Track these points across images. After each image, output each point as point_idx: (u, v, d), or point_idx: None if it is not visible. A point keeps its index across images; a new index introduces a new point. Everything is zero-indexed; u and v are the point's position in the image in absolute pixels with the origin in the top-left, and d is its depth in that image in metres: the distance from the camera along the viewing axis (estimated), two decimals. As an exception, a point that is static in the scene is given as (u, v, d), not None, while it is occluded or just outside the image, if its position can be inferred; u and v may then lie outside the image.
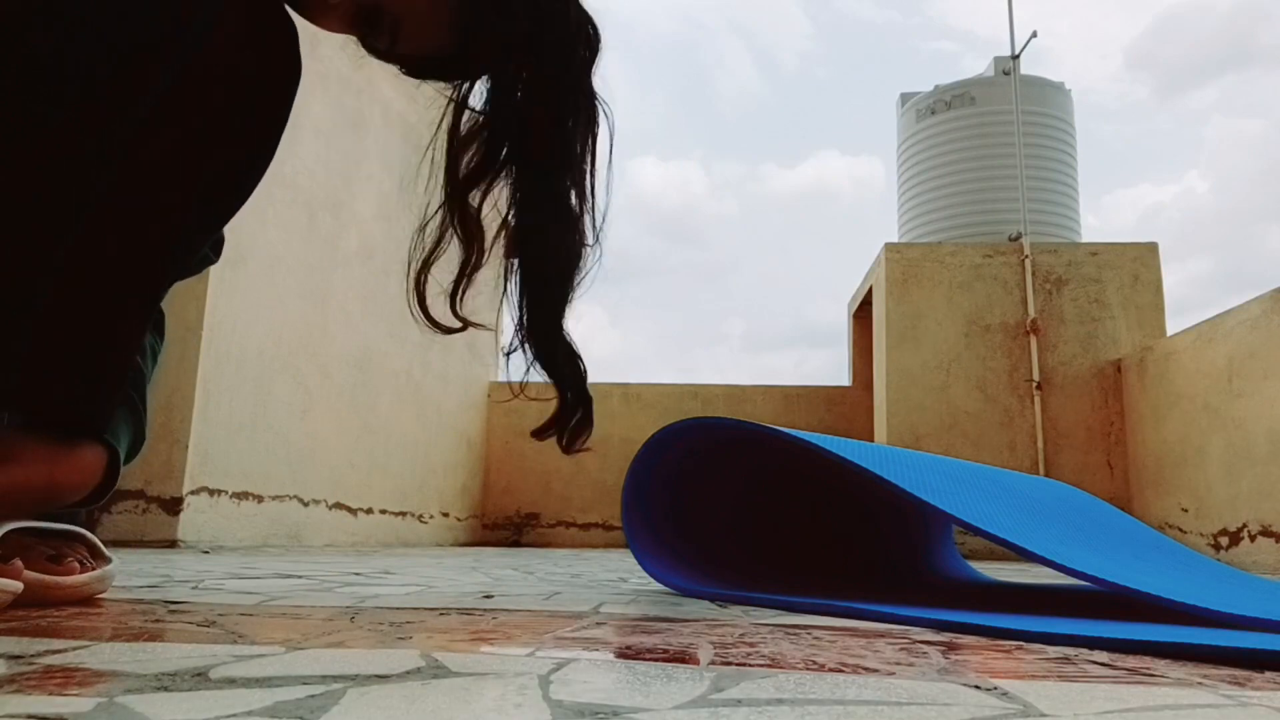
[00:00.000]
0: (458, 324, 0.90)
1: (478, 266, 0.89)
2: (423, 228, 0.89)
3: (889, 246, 4.20)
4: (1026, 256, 4.09)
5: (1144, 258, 4.08)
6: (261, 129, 0.75)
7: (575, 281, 0.90)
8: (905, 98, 6.48)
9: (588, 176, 0.88)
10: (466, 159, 0.88)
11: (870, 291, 4.46)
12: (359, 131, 3.20)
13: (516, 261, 0.89)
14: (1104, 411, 3.93)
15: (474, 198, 0.88)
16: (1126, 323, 4.00)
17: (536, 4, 0.84)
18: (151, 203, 0.72)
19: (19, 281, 0.70)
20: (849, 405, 4.82)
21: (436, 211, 0.89)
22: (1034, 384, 3.94)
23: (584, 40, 0.87)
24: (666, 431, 1.12)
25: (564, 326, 0.92)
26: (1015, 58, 5.32)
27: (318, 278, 2.96)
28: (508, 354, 0.91)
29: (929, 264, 4.13)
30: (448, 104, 0.88)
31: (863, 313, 4.78)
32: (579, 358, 0.94)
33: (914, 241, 5.72)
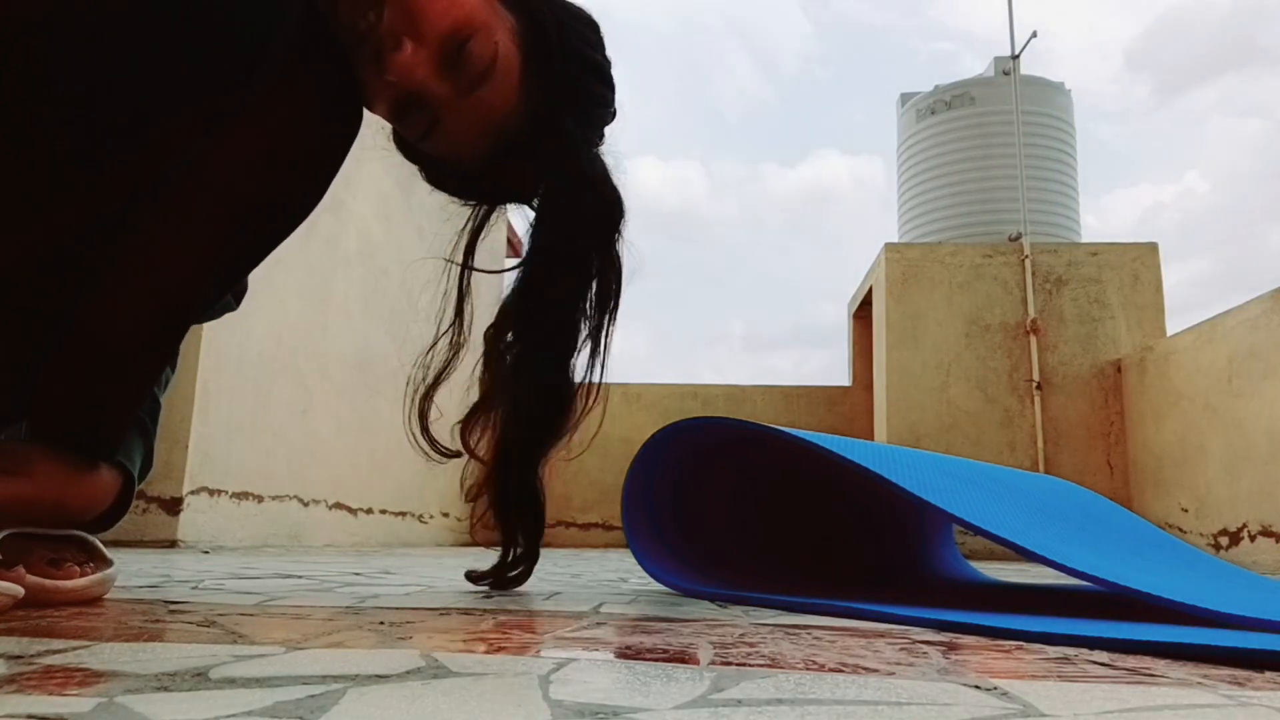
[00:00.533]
0: (455, 451, 0.91)
1: (488, 410, 0.90)
2: (433, 347, 0.89)
3: (889, 246, 4.20)
4: (1026, 256, 4.09)
5: (1144, 258, 4.08)
6: (306, 191, 0.75)
7: (556, 442, 0.91)
8: (905, 98, 6.49)
9: (603, 336, 0.90)
10: (501, 321, 0.89)
11: (870, 291, 4.47)
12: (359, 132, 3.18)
13: (505, 408, 0.90)
14: (1104, 411, 3.93)
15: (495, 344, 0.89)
16: (1126, 323, 4.00)
17: (574, 161, 0.85)
18: (185, 253, 0.72)
19: (41, 301, 0.70)
20: (849, 405, 4.83)
21: (446, 332, 0.90)
22: (1034, 384, 3.94)
23: (607, 210, 0.88)
24: (666, 431, 1.12)
25: (535, 478, 0.92)
26: (1015, 58, 5.31)
27: (318, 278, 2.96)
28: (469, 499, 0.92)
29: (929, 264, 4.13)
30: (464, 224, 0.90)
31: (863, 313, 4.78)
32: (541, 507, 0.94)
33: (914, 241, 5.72)
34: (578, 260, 0.88)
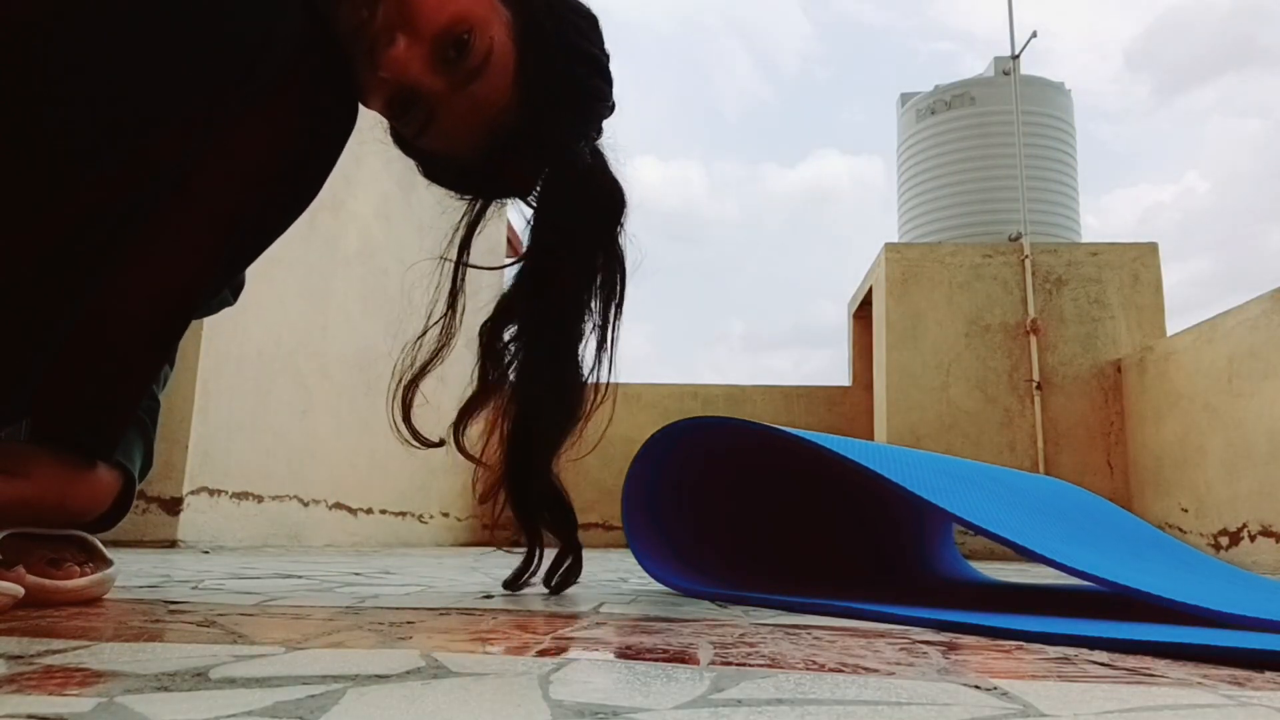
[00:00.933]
0: (436, 441, 0.91)
1: (483, 405, 0.90)
2: (421, 336, 0.89)
3: (889, 246, 4.20)
4: (1026, 256, 4.09)
5: (1144, 258, 4.08)
6: (303, 186, 0.75)
7: (568, 433, 0.91)
8: (905, 98, 6.49)
9: (610, 331, 0.89)
10: (499, 302, 0.88)
11: (870, 291, 4.47)
12: (359, 130, 3.18)
13: (513, 404, 0.90)
14: (1104, 411, 3.93)
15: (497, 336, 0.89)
16: (1126, 323, 4.00)
17: (571, 155, 0.85)
18: (185, 250, 0.72)
19: (42, 301, 0.70)
20: (849, 405, 4.82)
21: (438, 322, 0.89)
22: (1034, 384, 3.94)
23: (608, 203, 0.88)
24: (666, 431, 1.12)
25: (551, 473, 0.92)
26: (1015, 58, 5.31)
27: (317, 278, 2.96)
28: (482, 501, 0.92)
29: (929, 264, 4.13)
30: (460, 218, 0.89)
31: (863, 313, 4.78)
32: (567, 505, 0.93)
33: (914, 241, 5.72)
34: (580, 254, 0.88)
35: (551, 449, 0.91)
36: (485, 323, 0.90)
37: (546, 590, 0.98)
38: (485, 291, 0.93)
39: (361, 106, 0.77)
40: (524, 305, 0.89)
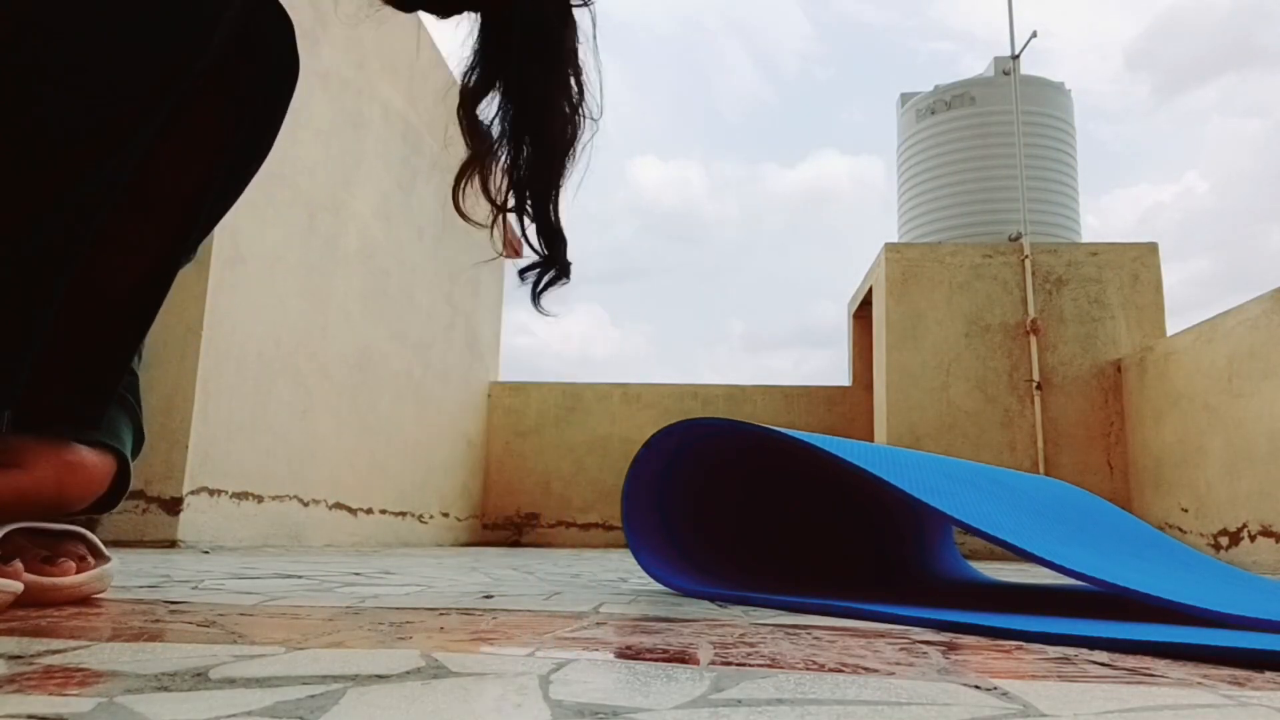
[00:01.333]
0: (469, 218, 0.91)
1: (474, 167, 0.90)
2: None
3: (889, 246, 4.20)
4: (1026, 256, 4.09)
5: (1144, 258, 4.08)
6: (257, 135, 0.75)
7: (573, 153, 0.91)
8: (905, 98, 6.49)
9: (590, 56, 0.90)
10: (467, 75, 0.90)
11: (870, 291, 4.47)
12: (359, 131, 3.19)
13: (514, 135, 0.90)
14: (1104, 411, 3.93)
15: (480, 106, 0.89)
16: (1126, 323, 4.00)
17: None
18: (153, 215, 0.72)
19: (42, 293, 0.70)
20: (849, 405, 4.83)
21: (494, 120, 0.90)
22: (1034, 384, 3.94)
23: None
24: (667, 431, 1.12)
25: (555, 203, 0.93)
26: (1015, 58, 5.32)
27: (318, 278, 2.96)
28: (498, 210, 0.92)
29: (929, 264, 4.13)
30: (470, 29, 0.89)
31: (863, 313, 4.78)
32: (563, 234, 0.95)
33: (914, 241, 5.72)
34: (551, 17, 0.88)
35: (554, 183, 0.92)
36: (458, 107, 0.91)
37: (532, 303, 0.98)
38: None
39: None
40: (496, 70, 0.89)
